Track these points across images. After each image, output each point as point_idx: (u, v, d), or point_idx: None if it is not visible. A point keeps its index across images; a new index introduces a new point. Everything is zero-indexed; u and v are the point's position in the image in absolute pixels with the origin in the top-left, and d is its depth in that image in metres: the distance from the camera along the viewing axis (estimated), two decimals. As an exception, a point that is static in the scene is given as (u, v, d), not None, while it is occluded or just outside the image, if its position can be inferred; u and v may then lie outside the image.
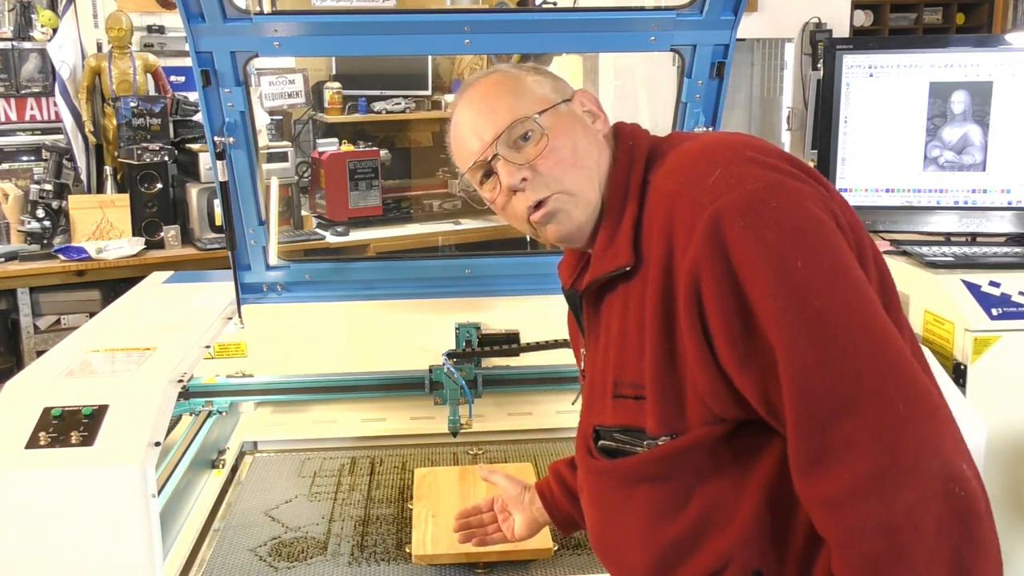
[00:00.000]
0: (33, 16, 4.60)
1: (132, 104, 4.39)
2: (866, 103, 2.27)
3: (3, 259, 4.01)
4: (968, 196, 2.27)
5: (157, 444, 1.46)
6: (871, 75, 2.26)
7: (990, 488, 0.96)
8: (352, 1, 2.95)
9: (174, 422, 2.06)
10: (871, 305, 0.99)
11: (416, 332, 2.26)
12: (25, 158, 4.60)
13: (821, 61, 5.28)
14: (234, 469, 2.14)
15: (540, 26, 2.11)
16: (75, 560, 1.39)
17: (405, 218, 5.00)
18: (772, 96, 6.85)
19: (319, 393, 2.22)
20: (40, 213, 4.17)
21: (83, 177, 4.54)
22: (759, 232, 1.00)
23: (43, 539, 1.39)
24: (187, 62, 4.51)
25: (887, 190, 2.30)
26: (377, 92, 5.10)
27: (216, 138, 2.04)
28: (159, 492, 1.59)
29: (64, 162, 4.49)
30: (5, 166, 4.53)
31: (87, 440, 1.44)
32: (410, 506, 1.88)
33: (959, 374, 1.97)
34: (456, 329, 2.22)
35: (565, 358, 2.08)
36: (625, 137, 1.24)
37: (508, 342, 2.20)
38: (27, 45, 4.60)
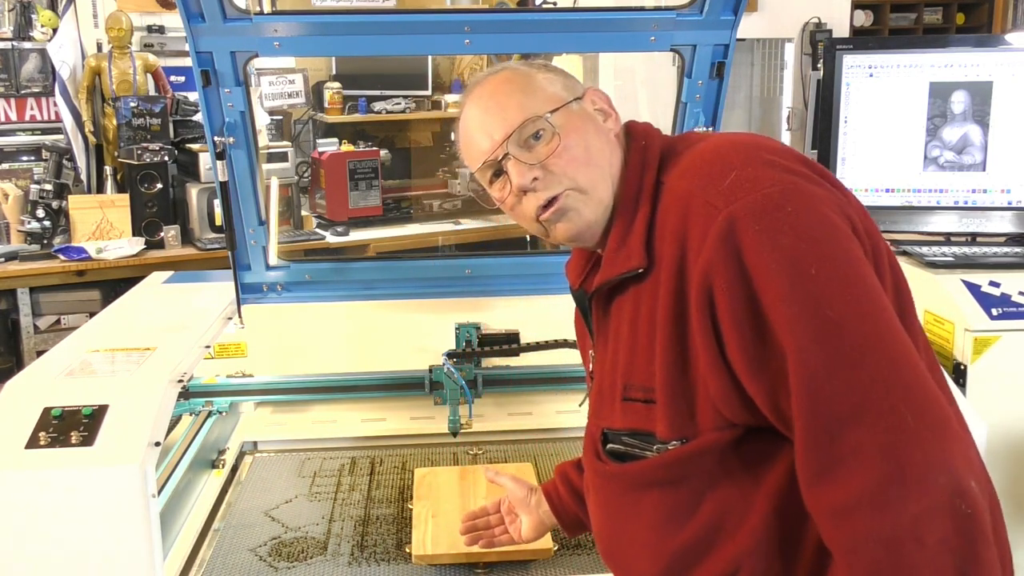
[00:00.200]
0: (33, 16, 4.60)
1: (132, 104, 4.39)
2: (866, 103, 2.27)
3: (3, 259, 4.01)
4: (968, 196, 2.27)
5: (157, 444, 1.45)
6: (871, 75, 2.26)
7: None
8: (352, 1, 2.95)
9: (174, 422, 2.06)
10: (884, 313, 0.98)
11: (416, 332, 2.26)
12: (25, 158, 4.60)
13: (821, 61, 5.29)
14: (234, 469, 2.13)
15: (540, 26, 2.11)
16: (75, 560, 1.39)
17: (405, 218, 5.00)
18: (772, 96, 6.84)
19: (319, 393, 2.22)
20: (40, 213, 4.17)
21: (83, 177, 4.54)
22: (774, 237, 0.99)
23: (43, 539, 1.38)
24: (187, 62, 4.50)
25: (887, 190, 2.30)
26: (377, 92, 5.10)
27: (216, 138, 2.04)
28: (159, 492, 1.58)
29: (64, 162, 4.49)
30: (5, 166, 4.53)
31: (87, 440, 1.44)
32: (410, 506, 1.88)
33: (959, 374, 1.97)
34: (456, 329, 2.22)
35: (565, 358, 2.09)
36: (638, 136, 1.22)
37: (508, 342, 2.20)
38: (27, 45, 4.60)
